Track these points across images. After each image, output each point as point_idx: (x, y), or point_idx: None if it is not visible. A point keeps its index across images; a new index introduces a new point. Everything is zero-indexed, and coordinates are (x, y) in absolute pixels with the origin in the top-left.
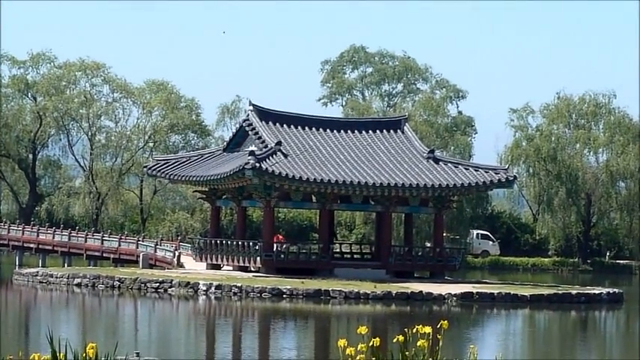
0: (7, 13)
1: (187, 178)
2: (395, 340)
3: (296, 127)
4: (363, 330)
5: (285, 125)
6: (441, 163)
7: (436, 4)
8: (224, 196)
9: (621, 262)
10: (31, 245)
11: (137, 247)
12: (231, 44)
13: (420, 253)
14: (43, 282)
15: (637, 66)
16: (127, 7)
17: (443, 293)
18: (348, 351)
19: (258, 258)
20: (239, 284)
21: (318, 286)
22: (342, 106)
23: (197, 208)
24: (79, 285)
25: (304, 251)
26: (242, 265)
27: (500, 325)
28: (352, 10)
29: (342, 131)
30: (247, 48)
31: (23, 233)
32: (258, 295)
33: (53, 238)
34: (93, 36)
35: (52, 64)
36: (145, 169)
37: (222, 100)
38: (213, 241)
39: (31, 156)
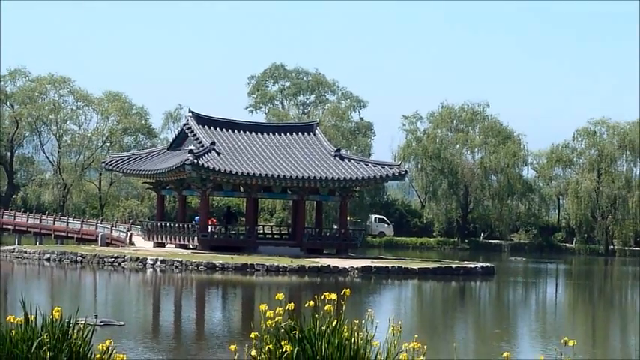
0: None
1: (138, 172)
2: (306, 305)
3: (227, 130)
4: (280, 296)
5: (218, 128)
6: (345, 160)
7: (343, 28)
8: (168, 187)
9: (493, 241)
10: (9, 227)
11: (96, 229)
12: (174, 61)
13: (328, 234)
14: (18, 257)
15: (508, 78)
16: (88, 29)
17: (347, 267)
18: (268, 313)
19: (196, 237)
20: (180, 259)
21: (245, 261)
22: (265, 113)
23: (146, 196)
24: (48, 259)
25: (233, 232)
26: (182, 243)
27: (394, 293)
28: (273, 32)
29: (264, 134)
30: (188, 64)
31: (2, 217)
32: (196, 268)
33: (27, 221)
34: (60, 53)
35: (26, 78)
36: (103, 164)
37: (166, 108)
38: (158, 224)
39: (9, 154)
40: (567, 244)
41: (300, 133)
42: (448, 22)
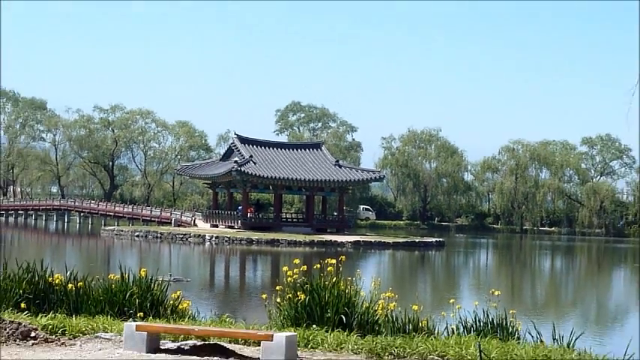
0: (95, 79)
1: (199, 176)
2: (315, 267)
3: (261, 147)
4: (297, 261)
5: (254, 145)
6: (342, 168)
7: (344, 74)
8: (220, 186)
9: (444, 223)
10: (111, 214)
11: (171, 215)
12: (227, 96)
13: (330, 219)
14: (117, 235)
15: (456, 106)
16: (166, 73)
17: (343, 241)
18: (288, 273)
19: (239, 221)
20: (228, 236)
21: (273, 237)
22: (287, 135)
23: (205, 192)
24: (137, 236)
25: (265, 217)
26: (230, 225)
27: (376, 259)
28: (293, 77)
29: (286, 149)
30: (235, 100)
31: (106, 206)
32: (239, 242)
33: (123, 209)
34: (146, 89)
35: (122, 111)
36: (175, 171)
37: (219, 131)
38: (214, 211)
39: (110, 163)
40: (495, 226)
41: (311, 149)
42: (415, 65)
